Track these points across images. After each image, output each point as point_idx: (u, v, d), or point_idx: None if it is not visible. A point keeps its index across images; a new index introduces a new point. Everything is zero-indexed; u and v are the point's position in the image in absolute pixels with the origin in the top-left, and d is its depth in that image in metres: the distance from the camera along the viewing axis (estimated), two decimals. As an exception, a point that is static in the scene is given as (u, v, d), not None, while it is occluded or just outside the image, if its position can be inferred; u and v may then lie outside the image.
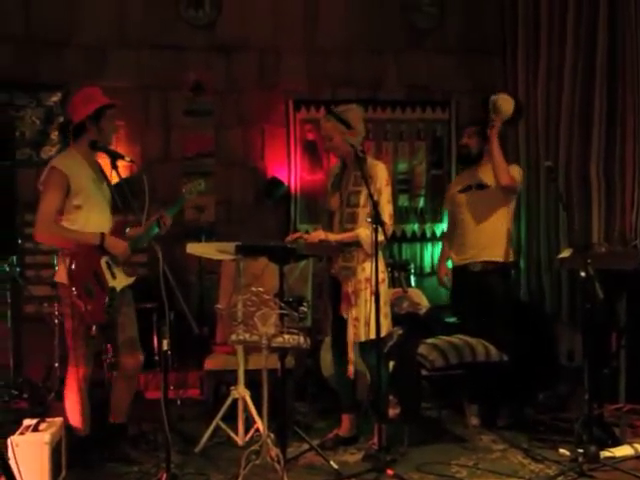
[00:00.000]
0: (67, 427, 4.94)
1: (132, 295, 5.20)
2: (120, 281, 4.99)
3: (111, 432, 5.23)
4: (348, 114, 5.32)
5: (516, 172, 5.95)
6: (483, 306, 5.96)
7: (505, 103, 5.94)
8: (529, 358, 5.93)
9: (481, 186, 6.03)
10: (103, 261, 4.91)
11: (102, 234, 4.90)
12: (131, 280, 5.09)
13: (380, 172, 5.30)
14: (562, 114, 7.03)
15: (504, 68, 7.74)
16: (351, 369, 5.34)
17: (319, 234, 5.41)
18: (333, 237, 5.32)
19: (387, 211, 5.23)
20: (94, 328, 4.84)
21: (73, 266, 4.84)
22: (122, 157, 5.04)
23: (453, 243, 6.28)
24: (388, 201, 5.28)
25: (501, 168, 5.85)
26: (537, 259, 7.42)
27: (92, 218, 4.96)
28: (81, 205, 4.91)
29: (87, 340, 4.89)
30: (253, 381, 5.45)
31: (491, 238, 5.98)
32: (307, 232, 5.85)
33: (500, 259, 5.99)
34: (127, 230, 5.15)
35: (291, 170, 7.72)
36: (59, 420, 4.87)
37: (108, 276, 4.92)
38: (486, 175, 5.99)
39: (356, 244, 5.25)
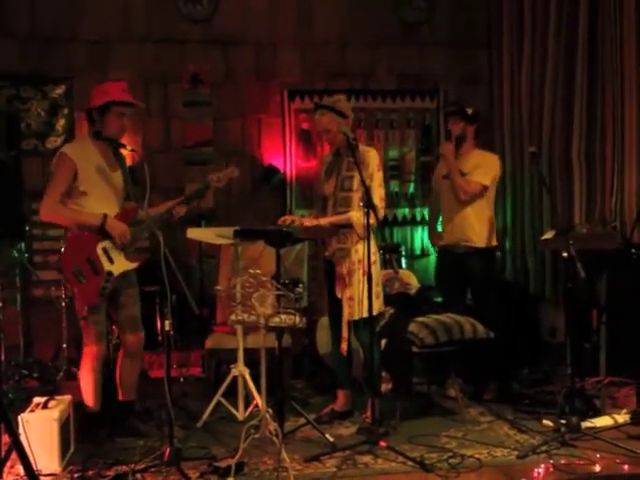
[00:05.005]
0: (76, 404, 5.05)
1: (136, 278, 5.27)
2: (119, 266, 5.04)
3: (120, 409, 5.32)
4: (340, 104, 5.44)
5: (483, 175, 6.02)
6: (465, 286, 6.11)
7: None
8: (514, 335, 6.03)
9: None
10: (99, 247, 4.98)
11: (104, 215, 4.95)
12: (133, 265, 5.12)
13: (372, 158, 5.41)
14: (545, 103, 7.14)
15: (490, 59, 7.84)
16: (344, 346, 5.44)
17: (311, 221, 5.50)
18: (324, 221, 5.43)
19: (378, 195, 5.33)
20: (86, 309, 4.92)
21: (63, 250, 5.03)
22: (124, 146, 5.12)
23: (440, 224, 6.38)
24: (379, 185, 5.40)
25: (457, 185, 6.01)
26: (522, 240, 7.50)
27: (98, 204, 5.01)
28: (87, 191, 4.99)
29: (89, 319, 4.98)
30: (252, 359, 5.59)
31: (471, 224, 6.04)
32: (303, 216, 6.00)
33: (481, 244, 6.06)
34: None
35: (287, 158, 7.85)
36: (67, 398, 4.99)
37: (104, 261, 4.98)
38: (463, 163, 6.06)
39: (348, 226, 5.36)
